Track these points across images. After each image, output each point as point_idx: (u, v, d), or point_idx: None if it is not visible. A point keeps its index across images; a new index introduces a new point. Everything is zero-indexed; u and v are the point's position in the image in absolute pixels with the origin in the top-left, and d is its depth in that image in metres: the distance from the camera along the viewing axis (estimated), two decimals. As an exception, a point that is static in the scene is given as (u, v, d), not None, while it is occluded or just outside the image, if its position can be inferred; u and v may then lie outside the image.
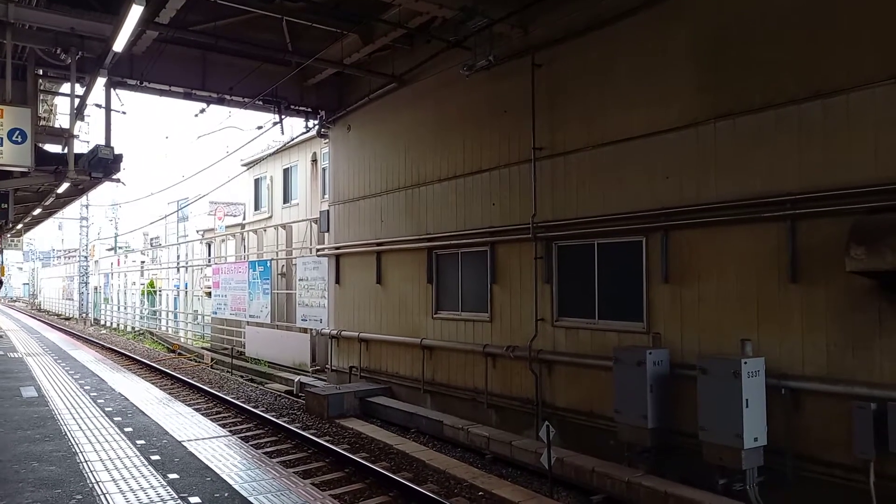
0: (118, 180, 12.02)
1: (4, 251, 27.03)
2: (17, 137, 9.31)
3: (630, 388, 7.82)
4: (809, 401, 6.80)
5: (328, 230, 15.56)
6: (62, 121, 15.83)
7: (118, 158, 10.76)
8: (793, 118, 6.97)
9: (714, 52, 7.75)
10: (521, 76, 9.99)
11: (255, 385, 16.78)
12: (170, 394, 12.05)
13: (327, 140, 15.87)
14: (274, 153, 22.27)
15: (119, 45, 9.04)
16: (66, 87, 12.06)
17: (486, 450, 9.75)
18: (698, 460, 7.14)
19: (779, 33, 7.16)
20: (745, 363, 6.71)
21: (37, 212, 23.52)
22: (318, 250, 16.75)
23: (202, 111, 14.15)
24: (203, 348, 24.66)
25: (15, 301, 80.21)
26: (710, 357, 7.20)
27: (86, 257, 41.29)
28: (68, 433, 7.41)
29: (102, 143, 10.86)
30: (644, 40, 8.52)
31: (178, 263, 36.03)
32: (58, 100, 15.34)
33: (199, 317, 29.71)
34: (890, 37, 6.28)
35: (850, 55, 6.56)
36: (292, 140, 19.88)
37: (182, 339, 28.78)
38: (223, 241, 28.16)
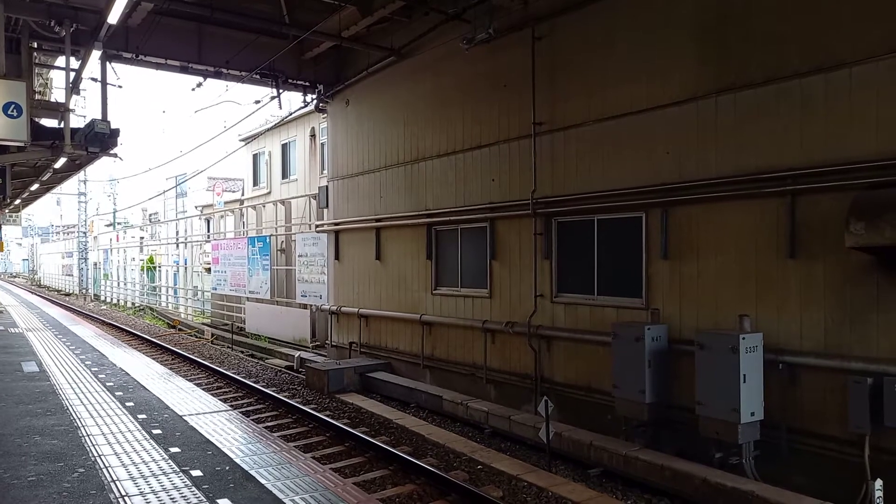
0: (115, 155, 11.94)
1: (3, 227, 26.99)
2: (12, 111, 9.22)
3: (628, 363, 7.87)
4: (806, 375, 6.84)
5: (327, 206, 15.51)
6: (58, 95, 15.67)
7: (115, 133, 10.67)
8: (795, 92, 6.91)
9: (716, 23, 7.65)
10: (521, 49, 9.88)
11: (256, 360, 16.88)
12: (170, 369, 12.13)
13: (325, 115, 15.75)
14: (272, 128, 22.11)
15: (113, 17, 8.92)
16: (61, 61, 11.92)
17: (485, 424, 9.83)
18: (695, 434, 7.21)
19: (782, 4, 7.06)
20: (743, 338, 6.74)
21: (34, 187, 23.40)
22: (317, 226, 16.72)
23: (199, 85, 14.01)
24: (203, 324, 24.76)
25: (15, 277, 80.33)
26: (709, 332, 7.23)
27: (85, 233, 41.26)
28: (70, 407, 7.46)
29: (99, 117, 10.76)
30: (646, 12, 8.41)
31: (177, 239, 35.98)
32: (53, 73, 15.18)
33: (199, 293, 29.77)
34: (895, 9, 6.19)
35: (855, 28, 6.47)
36: (290, 115, 19.69)
37: (182, 315, 28.87)
38: (222, 216, 28.09)
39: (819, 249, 6.73)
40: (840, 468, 6.48)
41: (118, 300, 39.79)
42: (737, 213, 7.45)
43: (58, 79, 15.63)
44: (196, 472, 5.30)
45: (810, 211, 6.81)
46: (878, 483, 5.65)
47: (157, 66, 12.99)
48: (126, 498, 4.75)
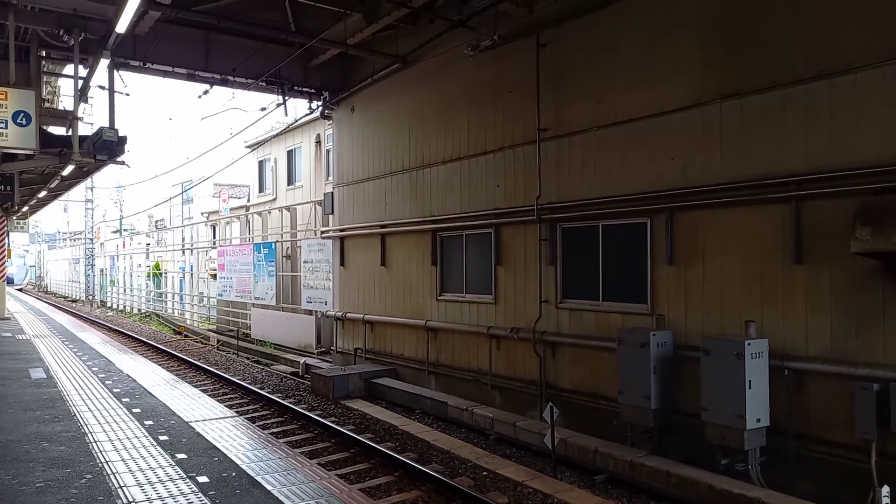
0: (123, 162, 12.06)
1: (10, 233, 27.12)
2: (21, 120, 9.32)
3: (634, 369, 7.86)
4: (812, 381, 6.83)
5: (332, 212, 15.56)
6: (66, 102, 15.82)
7: (122, 140, 10.76)
8: (800, 98, 6.91)
9: (721, 30, 7.67)
10: (526, 56, 9.91)
11: (261, 367, 16.90)
12: (177, 375, 12.16)
13: (331, 121, 15.83)
14: (277, 135, 22.22)
15: (122, 26, 9.01)
16: (69, 69, 12.03)
17: (490, 430, 9.83)
18: (701, 440, 7.19)
19: (787, 10, 7.08)
20: (749, 344, 6.73)
21: (42, 194, 23.58)
22: (322, 232, 16.76)
23: (206, 92, 14.13)
24: (209, 330, 24.81)
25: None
26: (714, 338, 7.22)
27: (91, 240, 41.41)
28: (77, 414, 7.49)
29: (106, 125, 10.86)
30: (650, 18, 8.44)
31: (182, 246, 36.10)
32: (61, 81, 15.32)
33: (205, 299, 29.85)
34: (899, 15, 6.20)
35: (860, 33, 6.48)
36: (296, 121, 19.83)
37: (188, 322, 28.94)
38: (228, 223, 28.18)
39: (825, 255, 6.72)
40: (847, 474, 6.45)
41: (124, 306, 39.91)
42: (742, 219, 7.45)
43: (66, 87, 15.79)
44: (202, 479, 5.31)
45: (816, 216, 6.80)
46: (886, 489, 5.63)
47: (164, 74, 13.09)
48: (133, 504, 4.77)
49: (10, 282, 54.33)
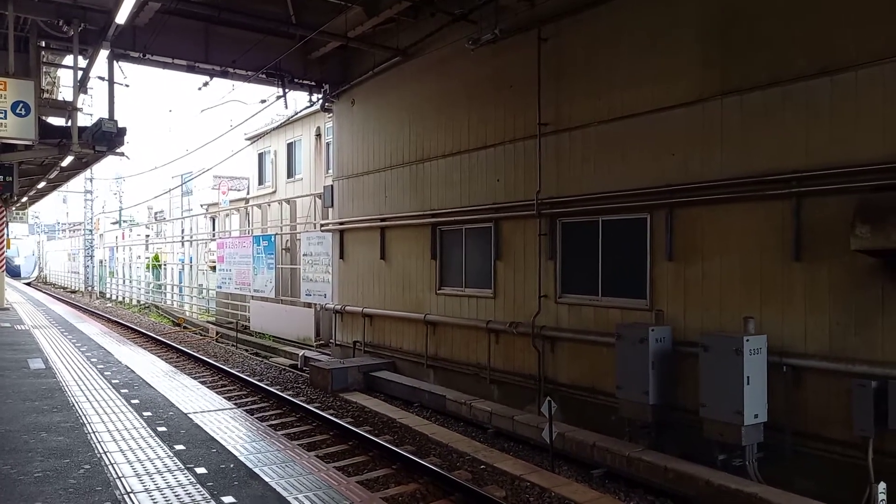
0: (122, 154, 12.05)
1: (10, 224, 27.10)
2: (20, 110, 9.31)
3: (632, 364, 7.87)
4: (810, 378, 6.84)
5: (332, 205, 15.55)
6: (65, 93, 15.79)
7: (122, 132, 10.75)
8: (800, 94, 6.90)
9: (723, 26, 7.65)
10: (527, 50, 9.88)
11: (260, 359, 16.93)
12: (175, 367, 12.17)
13: (331, 114, 15.79)
14: (277, 127, 22.18)
15: (121, 16, 8.99)
16: (68, 60, 12.00)
17: (488, 424, 9.85)
18: (698, 436, 7.21)
19: (788, 7, 7.05)
20: (748, 340, 6.74)
21: (41, 185, 23.57)
22: (321, 225, 16.75)
23: (205, 84, 14.08)
24: (208, 322, 24.82)
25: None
26: (713, 334, 7.23)
27: (91, 231, 41.39)
28: (76, 404, 7.49)
29: (106, 116, 10.84)
30: (652, 14, 8.41)
31: (182, 237, 36.08)
32: (61, 72, 15.28)
33: (204, 291, 29.86)
34: (902, 12, 6.18)
35: (860, 30, 6.47)
36: (296, 114, 19.78)
37: (187, 313, 28.96)
38: (227, 215, 28.15)
39: (824, 252, 6.72)
40: (844, 471, 6.47)
41: (123, 298, 39.91)
42: (742, 215, 7.44)
43: (65, 77, 15.76)
44: (201, 470, 5.32)
45: (815, 213, 6.80)
46: (882, 486, 5.65)
47: (164, 66, 13.05)
48: (131, 494, 4.77)
49: (16, 274, 53.21)
